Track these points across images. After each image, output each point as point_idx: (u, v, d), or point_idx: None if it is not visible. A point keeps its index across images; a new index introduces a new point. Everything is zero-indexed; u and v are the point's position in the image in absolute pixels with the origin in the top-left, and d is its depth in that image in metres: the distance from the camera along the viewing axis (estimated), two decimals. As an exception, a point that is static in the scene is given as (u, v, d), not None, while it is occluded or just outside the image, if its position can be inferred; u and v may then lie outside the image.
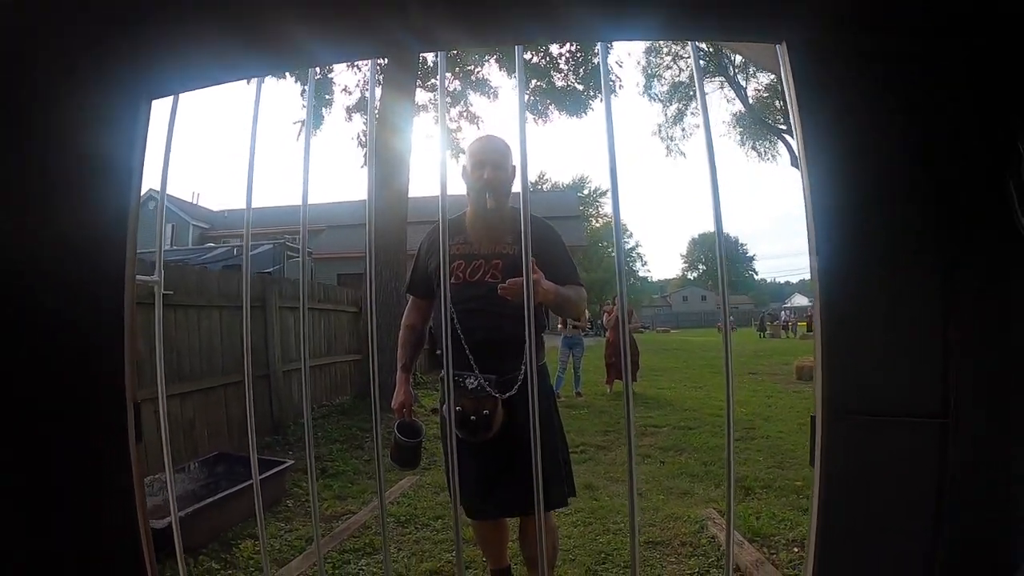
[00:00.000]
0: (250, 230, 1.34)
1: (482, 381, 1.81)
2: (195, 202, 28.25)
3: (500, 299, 1.75)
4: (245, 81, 3.10)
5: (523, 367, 1.83)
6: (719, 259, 1.12)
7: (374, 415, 1.24)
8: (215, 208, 28.90)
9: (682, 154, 23.57)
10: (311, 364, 6.22)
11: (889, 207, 0.98)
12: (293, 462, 3.68)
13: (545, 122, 11.64)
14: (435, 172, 1.25)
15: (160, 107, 1.15)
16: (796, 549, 2.81)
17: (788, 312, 35.45)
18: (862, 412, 0.98)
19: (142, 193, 1.16)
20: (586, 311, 8.92)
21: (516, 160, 1.94)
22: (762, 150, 23.09)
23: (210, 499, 2.90)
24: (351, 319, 7.26)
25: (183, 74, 1.13)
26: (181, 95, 1.21)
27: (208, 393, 4.41)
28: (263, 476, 3.32)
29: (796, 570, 2.60)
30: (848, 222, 0.98)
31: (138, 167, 1.11)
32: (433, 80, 9.57)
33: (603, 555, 2.78)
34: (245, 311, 1.35)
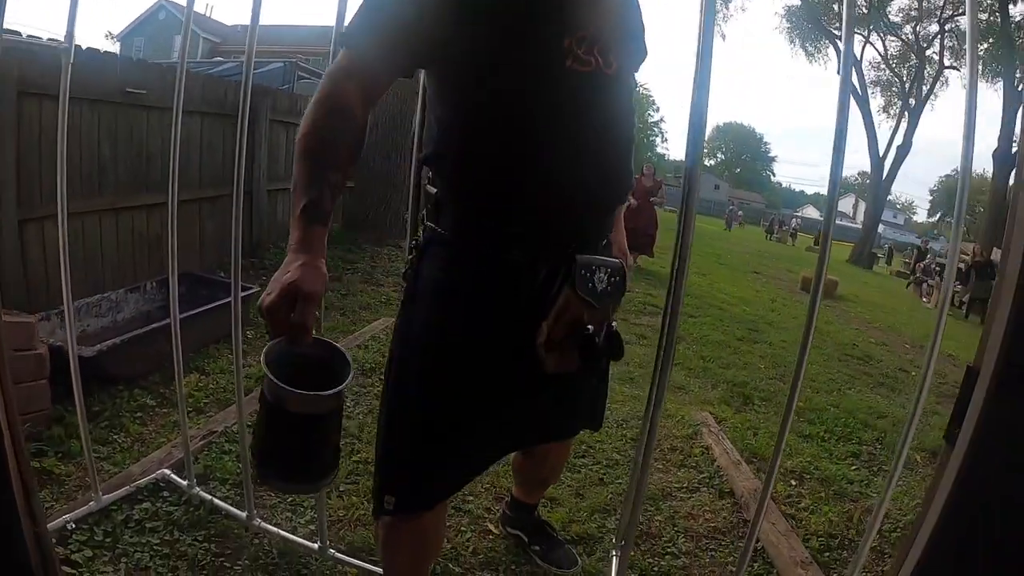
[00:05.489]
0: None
1: (614, 276, 1.06)
2: (207, 14, 26.21)
3: (612, 112, 1.04)
4: None
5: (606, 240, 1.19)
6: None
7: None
8: (228, 22, 27.26)
9: (722, 36, 21.41)
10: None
11: None
12: (259, 288, 3.30)
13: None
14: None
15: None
16: (794, 483, 2.55)
17: (798, 220, 34.65)
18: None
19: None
20: None
21: None
22: (812, 51, 21.98)
23: (155, 324, 2.53)
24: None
25: None
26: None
27: (180, 207, 3.87)
28: (221, 303, 2.95)
29: (793, 508, 2.35)
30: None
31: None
32: None
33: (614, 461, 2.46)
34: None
